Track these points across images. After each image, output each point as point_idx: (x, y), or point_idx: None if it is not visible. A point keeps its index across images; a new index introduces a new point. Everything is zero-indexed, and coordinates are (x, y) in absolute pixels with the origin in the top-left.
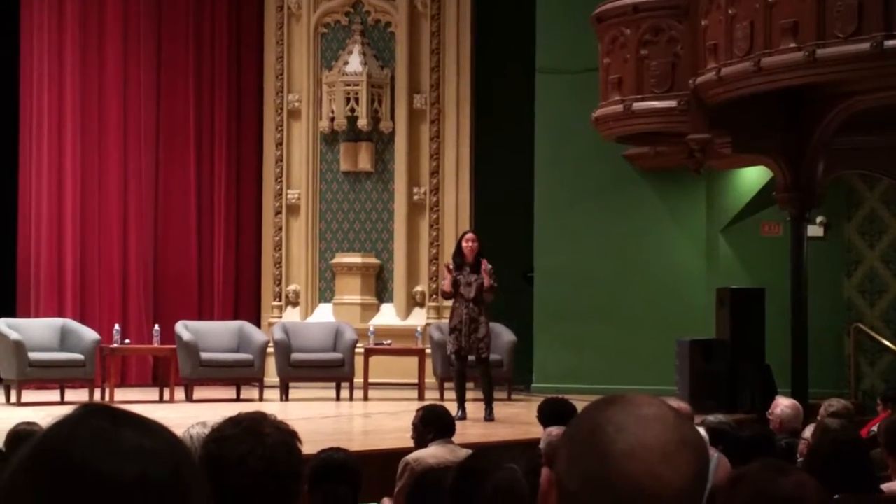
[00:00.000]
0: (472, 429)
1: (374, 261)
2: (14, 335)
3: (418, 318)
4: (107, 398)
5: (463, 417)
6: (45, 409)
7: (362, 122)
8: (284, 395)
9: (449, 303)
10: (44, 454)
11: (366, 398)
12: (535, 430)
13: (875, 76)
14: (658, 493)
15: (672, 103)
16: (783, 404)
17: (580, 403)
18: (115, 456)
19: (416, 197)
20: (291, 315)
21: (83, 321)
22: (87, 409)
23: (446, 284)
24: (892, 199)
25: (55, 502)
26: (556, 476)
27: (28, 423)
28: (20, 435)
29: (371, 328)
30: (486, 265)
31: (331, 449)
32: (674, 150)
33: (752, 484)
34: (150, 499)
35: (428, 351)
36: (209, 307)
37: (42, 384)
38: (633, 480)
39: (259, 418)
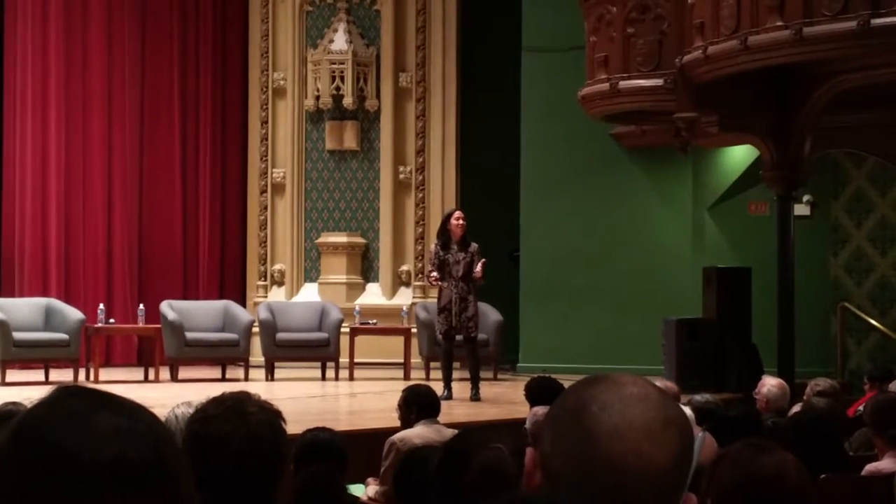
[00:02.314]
0: (459, 408)
1: (359, 240)
2: None
3: (404, 297)
4: (91, 378)
5: (449, 397)
6: (29, 389)
7: (348, 101)
8: (270, 375)
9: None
10: (21, 438)
11: (351, 378)
12: (521, 410)
13: (862, 55)
14: (643, 472)
15: (658, 82)
16: (770, 383)
17: (567, 383)
18: (91, 437)
19: (401, 176)
20: (277, 294)
21: (68, 301)
22: (63, 391)
23: (434, 279)
24: (879, 178)
25: (34, 486)
26: (541, 455)
27: (13, 404)
28: (4, 415)
29: (357, 308)
30: (478, 266)
31: (316, 429)
32: (660, 128)
33: (733, 463)
34: (128, 479)
35: (414, 330)
36: (194, 287)
37: (26, 364)
38: (617, 459)
39: (243, 398)
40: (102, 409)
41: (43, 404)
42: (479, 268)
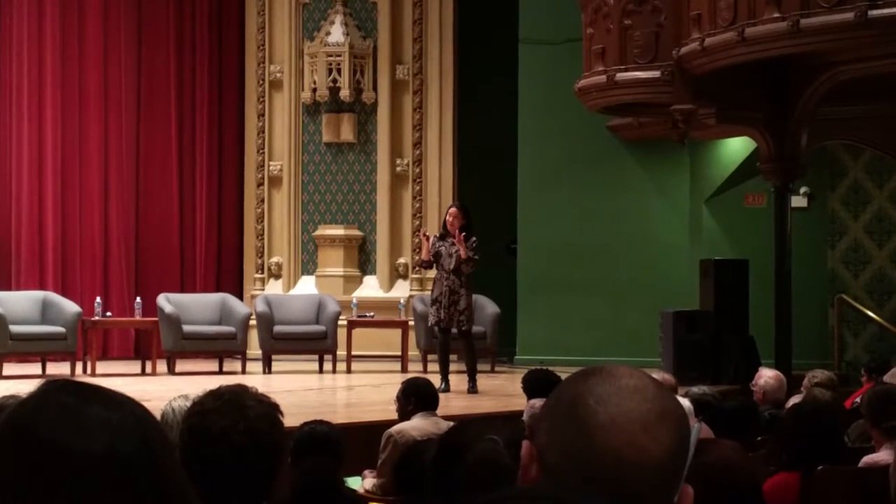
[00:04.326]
0: (456, 401)
1: (356, 233)
2: None
3: (401, 290)
4: (88, 371)
5: (446, 390)
6: (26, 383)
7: (344, 93)
8: (267, 368)
9: (432, 274)
10: (11, 432)
11: (349, 371)
12: (519, 402)
13: (859, 46)
14: (639, 464)
15: (656, 74)
16: (767, 375)
17: (564, 375)
18: (82, 430)
19: (398, 168)
20: (274, 287)
21: (64, 294)
22: (52, 385)
23: (424, 252)
24: (876, 170)
25: (26, 479)
26: (537, 448)
27: (10, 397)
28: (0, 408)
29: (354, 300)
30: (464, 240)
31: (314, 422)
32: (657, 120)
33: None
34: (119, 471)
35: (411, 323)
36: (191, 279)
37: (23, 357)
38: (613, 451)
39: (240, 391)
40: (92, 402)
41: (32, 398)
42: (462, 245)
